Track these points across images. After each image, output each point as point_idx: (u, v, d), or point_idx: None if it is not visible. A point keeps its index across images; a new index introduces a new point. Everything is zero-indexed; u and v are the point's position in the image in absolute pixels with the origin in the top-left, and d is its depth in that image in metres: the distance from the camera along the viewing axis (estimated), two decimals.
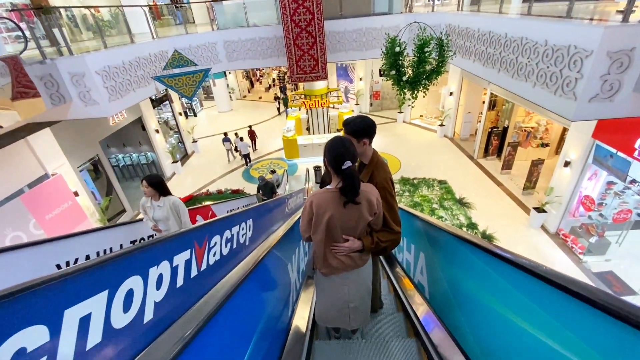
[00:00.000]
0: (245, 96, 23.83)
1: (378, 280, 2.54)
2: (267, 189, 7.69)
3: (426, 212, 6.52)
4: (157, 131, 11.97)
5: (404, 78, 5.94)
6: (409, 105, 6.27)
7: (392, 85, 6.60)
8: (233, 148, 13.46)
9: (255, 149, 14.55)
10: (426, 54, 6.05)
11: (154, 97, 12.11)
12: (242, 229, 3.09)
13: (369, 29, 9.98)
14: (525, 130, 10.77)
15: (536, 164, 8.96)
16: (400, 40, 5.94)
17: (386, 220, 1.87)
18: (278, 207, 5.25)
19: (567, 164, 7.30)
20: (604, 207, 7.31)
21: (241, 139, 13.00)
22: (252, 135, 14.30)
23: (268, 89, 24.81)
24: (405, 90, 6.28)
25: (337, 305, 1.99)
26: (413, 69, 6.13)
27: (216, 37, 10.13)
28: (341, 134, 2.02)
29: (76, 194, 8.03)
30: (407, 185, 7.56)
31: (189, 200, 6.95)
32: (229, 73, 22.46)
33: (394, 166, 11.91)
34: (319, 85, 12.47)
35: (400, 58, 5.96)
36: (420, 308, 2.36)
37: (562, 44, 4.49)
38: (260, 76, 26.54)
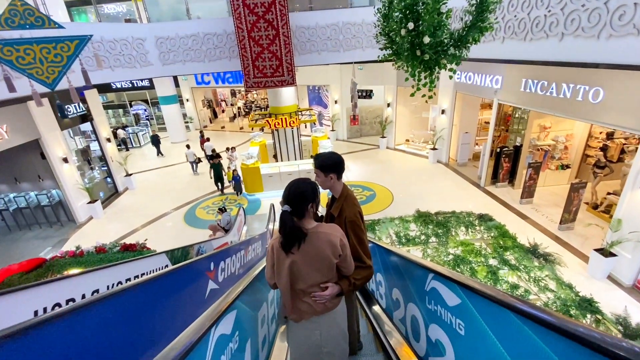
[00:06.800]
0: (206, 126, 21.11)
1: (356, 319, 2.36)
2: None
3: (481, 276, 3.61)
4: (65, 160, 8.75)
5: (425, 41, 3.50)
6: (424, 96, 3.68)
7: (396, 66, 4.16)
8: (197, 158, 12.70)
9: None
10: (444, 15, 3.77)
11: (68, 113, 9.02)
12: None
13: (346, 24, 7.88)
14: (542, 149, 8.76)
15: (577, 188, 6.73)
16: None
17: (358, 255, 1.85)
18: (186, 289, 2.34)
19: None
20: None
21: (187, 146, 12.52)
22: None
23: (233, 118, 22.35)
24: (419, 71, 3.86)
25: (310, 352, 1.80)
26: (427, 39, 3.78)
27: (145, 31, 7.54)
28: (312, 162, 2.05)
29: None
30: (429, 226, 4.36)
31: (35, 269, 3.62)
32: (187, 100, 19.89)
33: (385, 199, 9.36)
34: (287, 102, 10.06)
35: (420, 3, 3.56)
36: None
37: None
38: (224, 107, 24.10)
